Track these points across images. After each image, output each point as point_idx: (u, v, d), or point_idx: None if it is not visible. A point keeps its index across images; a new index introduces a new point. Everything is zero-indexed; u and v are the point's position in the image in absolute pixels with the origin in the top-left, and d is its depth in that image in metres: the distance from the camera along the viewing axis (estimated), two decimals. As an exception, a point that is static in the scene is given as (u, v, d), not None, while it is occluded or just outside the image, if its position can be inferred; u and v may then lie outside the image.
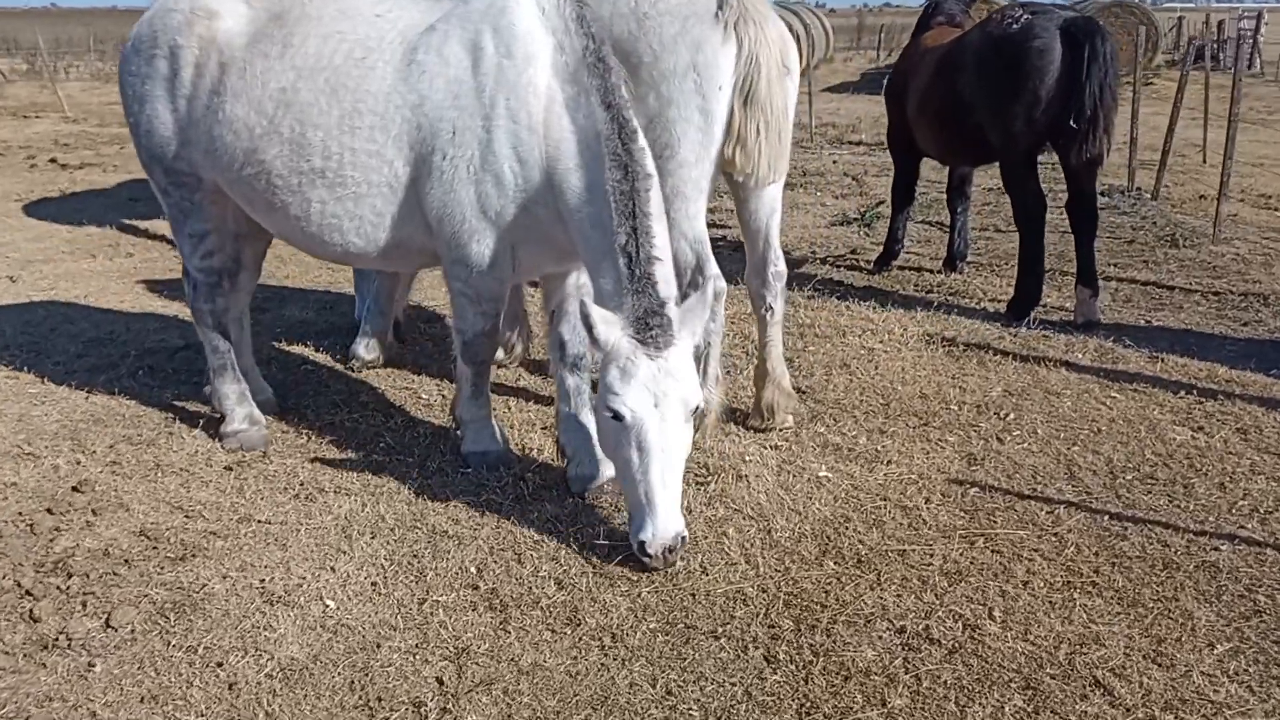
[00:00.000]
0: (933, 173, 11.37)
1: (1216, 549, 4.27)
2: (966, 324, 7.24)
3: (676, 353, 3.97)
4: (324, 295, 8.27)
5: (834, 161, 15.02)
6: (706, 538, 4.40)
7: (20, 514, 4.62)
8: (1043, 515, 4.58)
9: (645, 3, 4.73)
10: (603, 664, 3.60)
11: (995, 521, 4.54)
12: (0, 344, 6.93)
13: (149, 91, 5.03)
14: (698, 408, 4.03)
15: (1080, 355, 6.54)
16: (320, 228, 4.81)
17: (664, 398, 3.91)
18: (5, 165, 15.36)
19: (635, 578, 4.08)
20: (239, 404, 5.40)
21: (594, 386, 4.62)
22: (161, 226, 10.25)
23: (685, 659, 3.63)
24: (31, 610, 3.88)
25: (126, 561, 4.23)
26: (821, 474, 4.99)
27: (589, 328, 4.00)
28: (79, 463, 5.12)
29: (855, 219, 10.85)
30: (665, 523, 3.96)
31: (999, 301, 7.74)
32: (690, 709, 3.38)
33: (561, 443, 4.96)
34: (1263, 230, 9.91)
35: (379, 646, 3.68)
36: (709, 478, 4.93)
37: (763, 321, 5.47)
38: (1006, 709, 3.35)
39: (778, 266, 5.39)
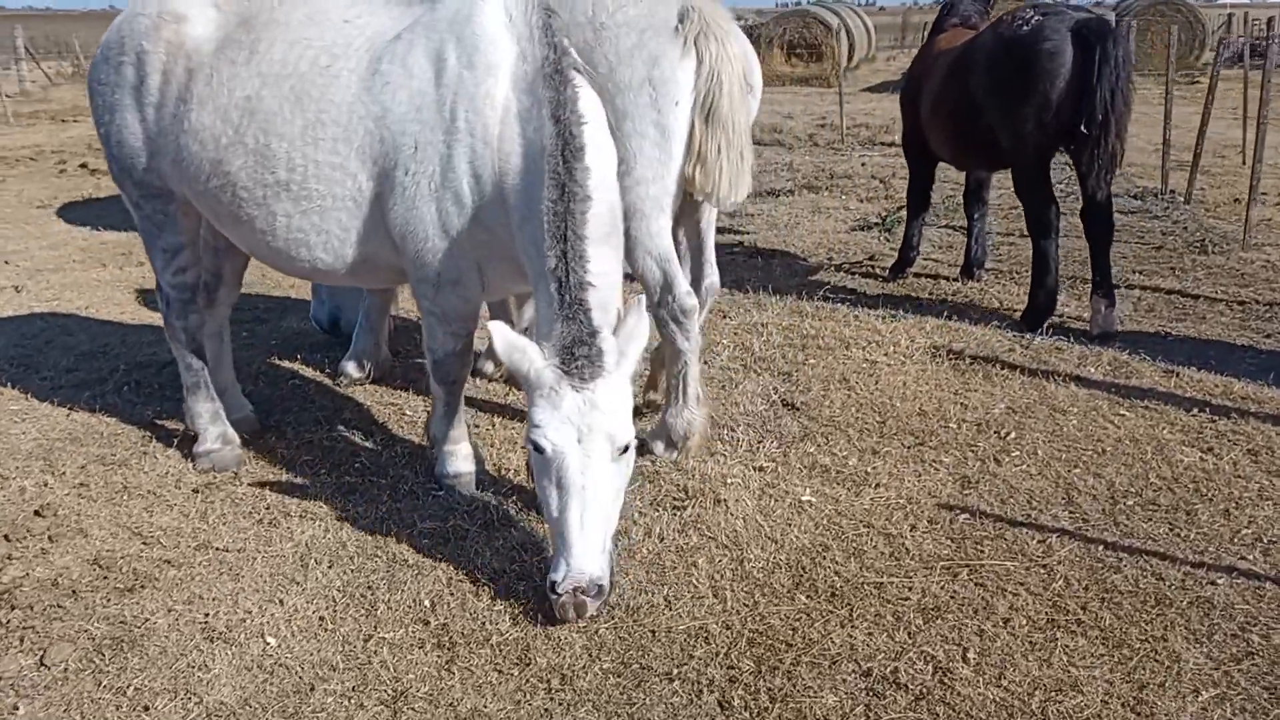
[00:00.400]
0: (956, 175, 11.05)
1: (1213, 583, 4.01)
2: (977, 335, 6.97)
3: (606, 385, 3.72)
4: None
5: (863, 164, 14.72)
6: (676, 568, 4.20)
7: (-22, 540, 4.50)
8: (1033, 545, 4.33)
9: (603, 13, 4.53)
10: (546, 709, 3.41)
11: (982, 551, 4.30)
12: (-6, 358, 6.89)
13: (118, 101, 4.86)
14: (628, 446, 3.78)
15: (1092, 369, 6.25)
16: (287, 243, 4.65)
17: (588, 433, 3.67)
18: (36, 170, 15.49)
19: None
20: (212, 423, 5.26)
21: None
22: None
23: (635, 704, 3.43)
24: (-32, 645, 3.76)
25: (74, 593, 4.11)
26: (805, 498, 4.76)
27: (496, 353, 3.83)
28: (46, 484, 5.02)
29: (877, 223, 10.57)
30: (580, 562, 3.66)
31: (1015, 311, 7.44)
32: (632, 759, 3.20)
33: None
34: (1296, 236, 9.51)
35: (313, 689, 3.51)
36: (686, 502, 4.72)
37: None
38: (970, 764, 3.13)
39: (712, 279, 5.42)
